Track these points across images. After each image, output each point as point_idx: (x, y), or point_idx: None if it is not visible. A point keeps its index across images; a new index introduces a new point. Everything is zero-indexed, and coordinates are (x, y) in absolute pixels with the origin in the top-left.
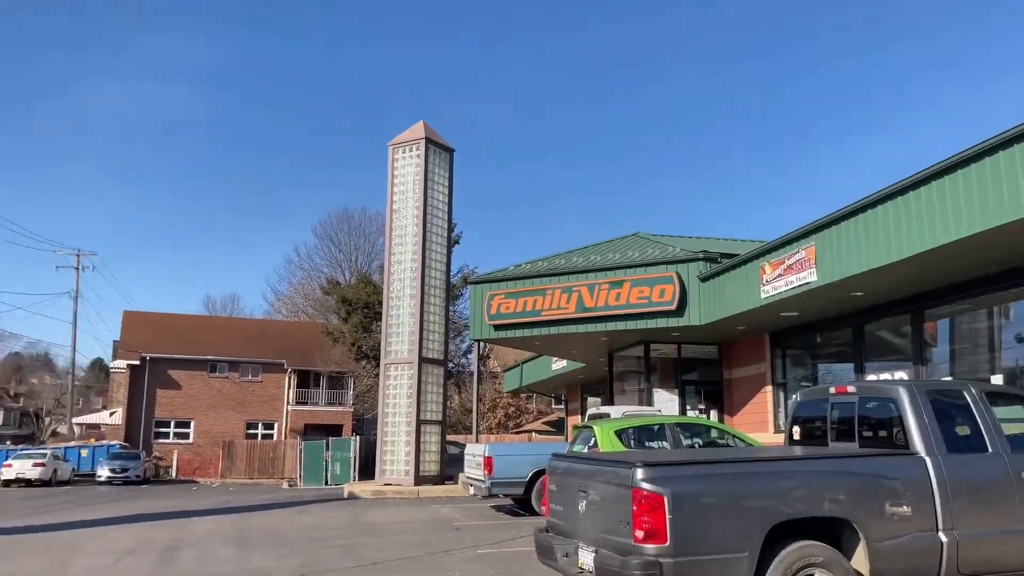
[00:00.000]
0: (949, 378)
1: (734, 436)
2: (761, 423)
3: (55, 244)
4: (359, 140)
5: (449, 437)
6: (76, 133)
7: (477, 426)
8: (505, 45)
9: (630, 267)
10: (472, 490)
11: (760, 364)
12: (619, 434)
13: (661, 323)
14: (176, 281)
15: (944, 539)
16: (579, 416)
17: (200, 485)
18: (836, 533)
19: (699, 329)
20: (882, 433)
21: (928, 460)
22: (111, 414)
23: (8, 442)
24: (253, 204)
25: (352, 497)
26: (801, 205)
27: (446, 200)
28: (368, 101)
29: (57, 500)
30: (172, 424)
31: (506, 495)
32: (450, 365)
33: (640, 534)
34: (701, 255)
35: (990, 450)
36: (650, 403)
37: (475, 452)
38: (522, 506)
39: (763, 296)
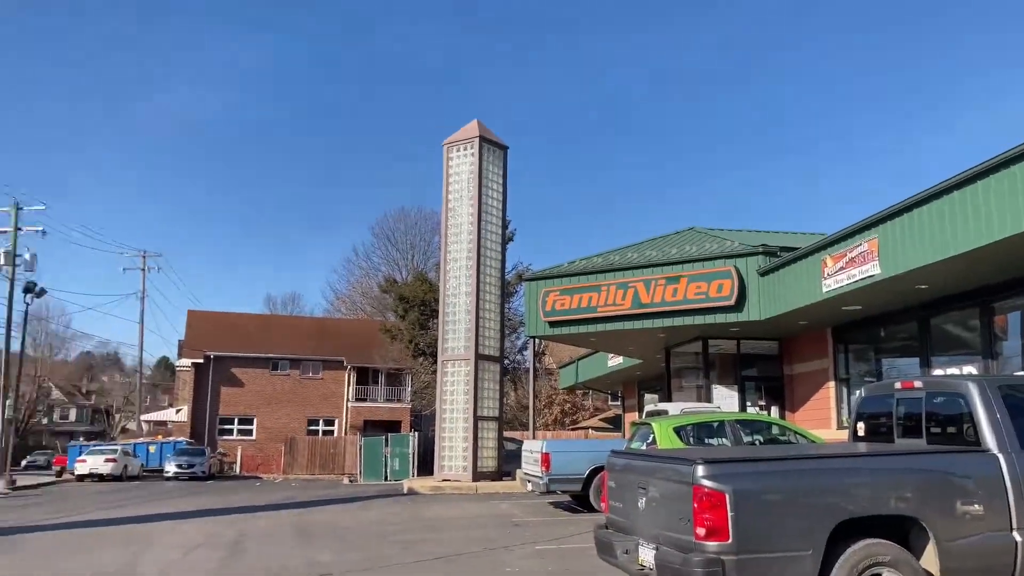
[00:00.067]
0: (1022, 373)
1: (796, 433)
2: (824, 419)
3: (122, 246)
4: (417, 139)
5: (506, 433)
6: (142, 136)
7: (534, 422)
8: (553, 39)
9: (687, 262)
10: (530, 486)
11: (822, 359)
12: (678, 431)
13: (719, 318)
14: (238, 281)
15: (1019, 539)
16: (636, 413)
17: (263, 481)
18: (904, 532)
19: (759, 324)
20: (951, 429)
21: (1001, 457)
22: (177, 411)
23: (81, 438)
24: (314, 204)
25: (412, 493)
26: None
27: (500, 197)
28: (424, 99)
29: (128, 495)
30: (235, 421)
31: (564, 491)
32: (506, 362)
33: (701, 531)
34: (760, 249)
35: None
36: (709, 400)
37: (532, 448)
38: (580, 502)
39: (825, 290)
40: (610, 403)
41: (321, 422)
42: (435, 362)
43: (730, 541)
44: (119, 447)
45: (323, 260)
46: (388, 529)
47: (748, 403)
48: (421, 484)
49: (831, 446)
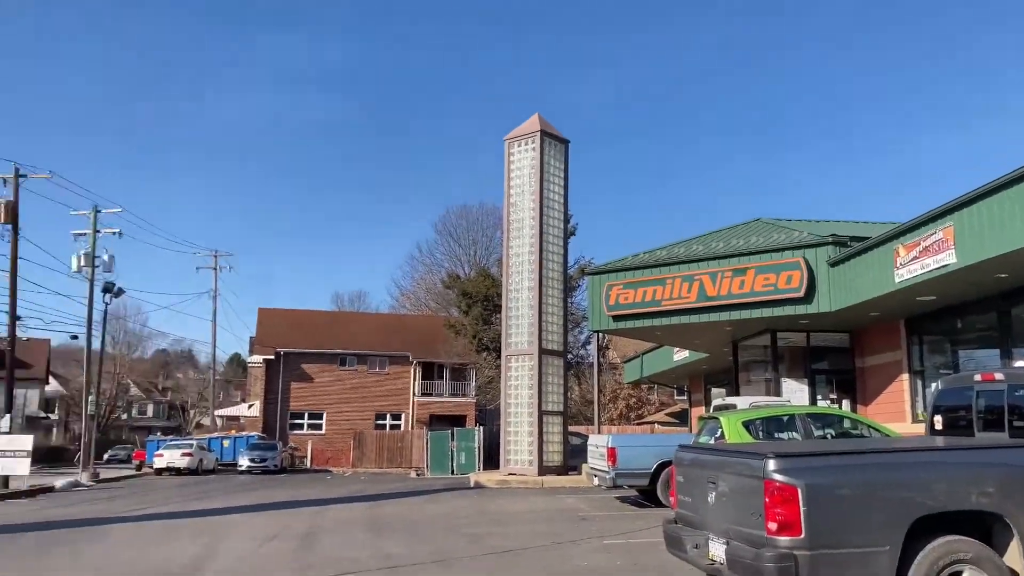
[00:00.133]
0: None
1: (869, 427)
2: (898, 413)
3: (195, 246)
4: (477, 136)
5: (570, 428)
6: (210, 137)
7: (599, 417)
8: (613, 31)
9: (754, 253)
10: (596, 481)
11: (895, 351)
12: (747, 425)
13: (788, 311)
14: (306, 279)
15: None
16: (703, 407)
17: (333, 474)
18: (986, 528)
19: (829, 316)
20: None
21: None
22: (249, 406)
23: (158, 433)
24: (377, 203)
25: (478, 486)
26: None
27: (562, 192)
28: (485, 97)
29: (203, 488)
30: (305, 416)
31: (630, 486)
32: (569, 356)
33: (773, 526)
34: (830, 239)
35: None
36: (778, 393)
37: (598, 443)
38: (647, 497)
39: (898, 280)
40: (676, 398)
41: (388, 416)
42: (499, 357)
43: (803, 536)
44: (195, 442)
45: (388, 257)
46: (456, 522)
47: (819, 397)
48: (487, 478)
49: (908, 440)
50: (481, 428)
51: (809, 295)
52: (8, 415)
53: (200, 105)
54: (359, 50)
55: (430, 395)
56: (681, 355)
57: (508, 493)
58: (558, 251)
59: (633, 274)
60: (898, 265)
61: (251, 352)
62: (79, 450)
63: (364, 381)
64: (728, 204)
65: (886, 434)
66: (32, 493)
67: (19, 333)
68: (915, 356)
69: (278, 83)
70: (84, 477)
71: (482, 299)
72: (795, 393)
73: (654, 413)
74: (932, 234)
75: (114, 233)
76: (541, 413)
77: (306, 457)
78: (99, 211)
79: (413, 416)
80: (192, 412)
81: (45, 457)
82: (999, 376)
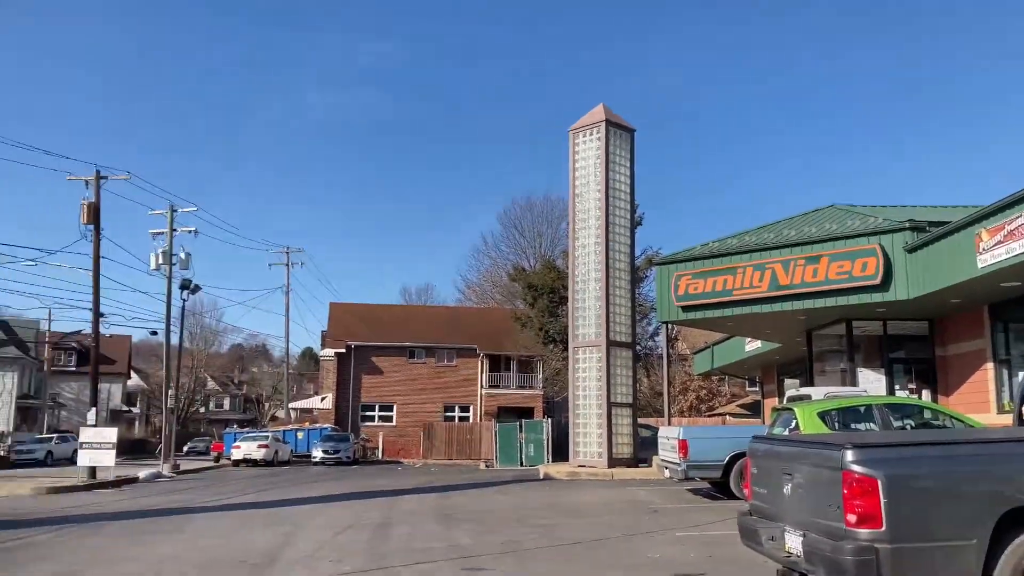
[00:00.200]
0: None
1: (951, 417)
2: (982, 403)
3: (267, 243)
4: (540, 128)
5: (640, 420)
6: (278, 136)
7: (669, 409)
8: (675, 16)
9: (828, 240)
10: (667, 473)
11: (978, 340)
12: (822, 416)
13: (864, 299)
14: (375, 273)
15: None
16: (776, 398)
17: (404, 465)
18: None
19: (907, 304)
20: None
21: None
22: (322, 399)
23: (235, 426)
24: (443, 196)
25: (547, 478)
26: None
27: (628, 181)
28: (547, 89)
29: (279, 479)
30: (376, 408)
31: (702, 478)
32: (637, 348)
33: (852, 518)
34: (907, 224)
35: None
36: (854, 384)
37: (669, 435)
38: (720, 489)
39: (980, 266)
40: (747, 389)
41: (456, 408)
42: (565, 349)
43: (884, 529)
44: (270, 434)
45: (454, 251)
46: (526, 513)
47: (897, 387)
48: (556, 470)
49: (994, 430)
50: (549, 420)
51: (886, 282)
52: (94, 409)
53: (269, 104)
54: (421, 45)
55: (497, 387)
56: (753, 345)
57: (578, 485)
58: (625, 241)
59: (702, 263)
60: (981, 250)
61: (323, 346)
62: (160, 442)
63: (432, 373)
64: (798, 192)
65: (970, 425)
66: (117, 484)
67: (102, 330)
68: (1000, 344)
69: (343, 81)
70: (165, 468)
71: (548, 291)
72: (872, 383)
73: (725, 405)
74: (1017, 218)
75: (190, 231)
76: (610, 405)
77: (377, 448)
78: (175, 210)
79: (481, 408)
80: (267, 405)
81: (128, 449)
82: None
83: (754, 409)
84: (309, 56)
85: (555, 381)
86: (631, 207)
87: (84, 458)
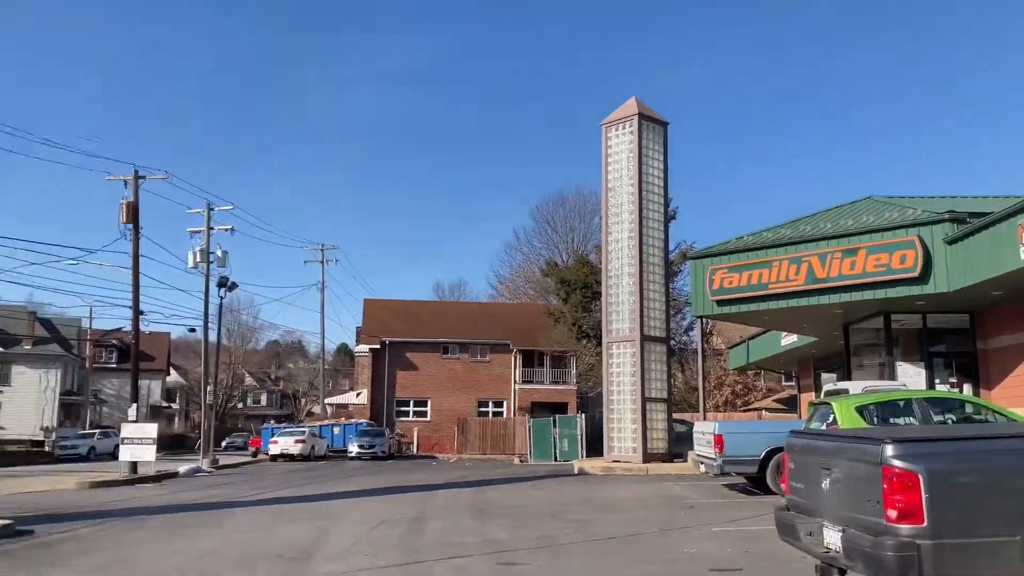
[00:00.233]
0: None
1: (994, 412)
2: None
3: (302, 240)
4: (572, 123)
5: (675, 415)
6: (313, 134)
7: (704, 404)
8: (715, 9)
9: (865, 233)
10: (703, 468)
11: (1021, 333)
12: (860, 410)
13: (902, 291)
14: (408, 270)
15: None
16: (812, 393)
17: (438, 460)
18: None
19: (947, 297)
20: None
21: None
22: (357, 395)
23: (272, 421)
24: (476, 192)
25: (582, 473)
26: None
27: (661, 175)
28: (577, 85)
29: (316, 474)
30: (411, 403)
31: (739, 473)
32: (672, 343)
33: (893, 514)
34: (947, 216)
35: None
36: (892, 378)
37: (704, 430)
38: (756, 484)
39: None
40: (784, 384)
41: (490, 404)
42: (599, 344)
43: (925, 524)
44: (307, 429)
45: (487, 247)
46: (561, 508)
47: (937, 381)
48: (591, 465)
49: None
50: (583, 415)
51: (925, 275)
52: (134, 404)
53: (302, 103)
54: (454, 43)
55: (531, 382)
56: (789, 340)
57: (612, 480)
58: (658, 236)
59: (737, 257)
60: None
61: (358, 341)
62: (199, 438)
63: (466, 369)
64: (835, 184)
65: (1013, 419)
66: (158, 478)
67: (141, 327)
68: None
69: (377, 79)
70: (205, 463)
71: (581, 286)
72: (911, 377)
73: (761, 399)
74: None
75: (227, 230)
76: (644, 400)
77: (412, 443)
78: (212, 208)
79: (515, 403)
80: (303, 400)
81: (168, 444)
82: None
83: (790, 404)
84: (351, 54)
85: (589, 376)
86: (664, 201)
87: (125, 453)
